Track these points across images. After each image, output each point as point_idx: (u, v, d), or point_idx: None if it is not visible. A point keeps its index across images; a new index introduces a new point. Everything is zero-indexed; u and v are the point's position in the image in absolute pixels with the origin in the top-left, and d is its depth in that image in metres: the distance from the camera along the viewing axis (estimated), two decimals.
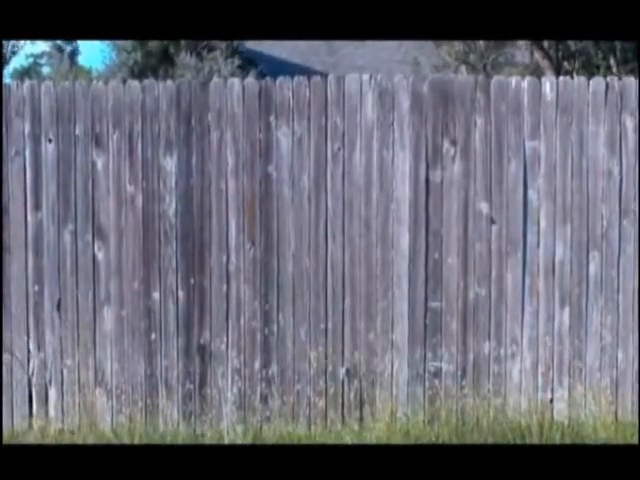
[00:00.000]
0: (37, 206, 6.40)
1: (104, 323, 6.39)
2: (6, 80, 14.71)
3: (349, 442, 5.93)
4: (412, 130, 6.37)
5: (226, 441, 6.03)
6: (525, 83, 6.39)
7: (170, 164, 6.38)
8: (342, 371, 6.38)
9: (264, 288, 6.37)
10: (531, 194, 6.36)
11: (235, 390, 6.36)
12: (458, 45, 15.68)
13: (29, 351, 6.42)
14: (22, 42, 19.98)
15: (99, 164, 6.39)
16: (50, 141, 6.40)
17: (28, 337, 6.42)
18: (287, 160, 6.38)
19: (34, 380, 6.42)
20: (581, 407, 6.29)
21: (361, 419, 6.30)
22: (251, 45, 16.59)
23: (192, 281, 6.37)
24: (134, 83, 6.50)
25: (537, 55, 15.21)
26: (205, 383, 6.38)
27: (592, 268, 6.34)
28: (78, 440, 6.09)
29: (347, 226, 6.37)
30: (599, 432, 6.06)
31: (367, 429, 6.16)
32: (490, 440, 5.93)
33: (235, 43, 16.56)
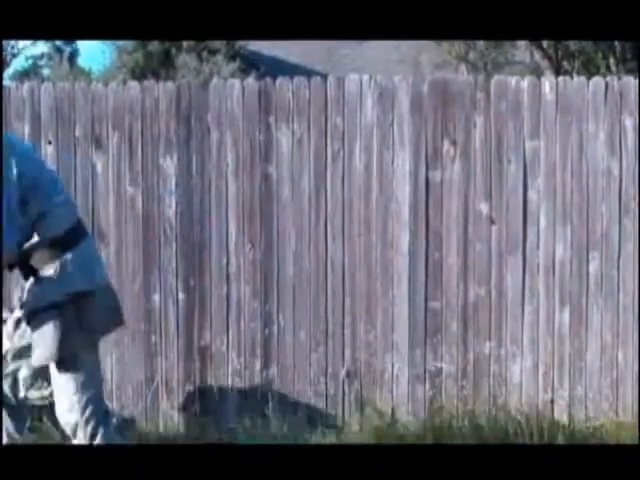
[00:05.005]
0: None
1: None
2: (6, 82, 14.72)
3: (349, 443, 5.94)
4: (412, 130, 6.37)
5: (226, 442, 6.04)
6: (525, 83, 6.39)
7: (170, 165, 6.38)
8: (342, 372, 6.38)
9: (264, 289, 6.37)
10: (531, 194, 6.36)
11: (235, 391, 6.37)
12: (458, 44, 15.69)
13: None
14: (22, 44, 20.00)
15: (99, 165, 6.40)
16: (50, 143, 6.41)
17: None
18: (287, 161, 6.38)
19: None
20: (581, 407, 6.30)
21: (361, 420, 6.29)
22: (251, 46, 16.60)
23: (192, 282, 6.37)
24: (134, 84, 6.50)
25: (537, 55, 15.21)
26: (205, 385, 6.38)
27: (592, 268, 6.33)
28: None
29: (347, 226, 6.38)
30: (599, 432, 6.06)
31: (368, 430, 6.15)
32: (490, 440, 5.93)
33: (236, 46, 16.57)
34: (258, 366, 6.37)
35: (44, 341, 4.42)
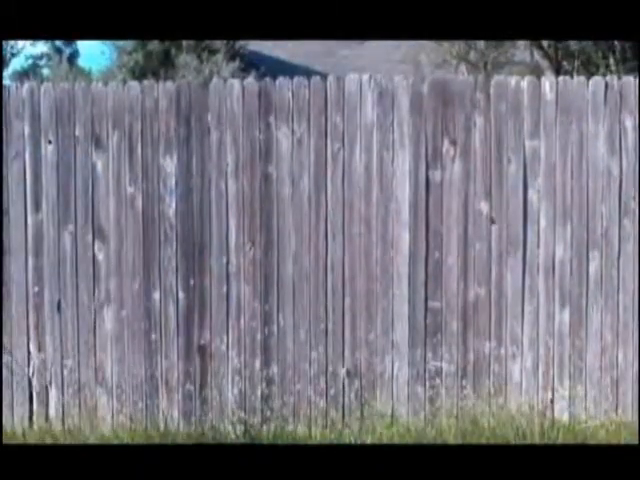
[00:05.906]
0: (37, 207, 6.41)
1: (104, 324, 6.40)
2: (6, 82, 14.72)
3: (349, 442, 5.93)
4: (412, 130, 6.37)
5: (226, 441, 6.03)
6: (525, 83, 6.39)
7: (170, 165, 6.39)
8: (342, 371, 6.38)
9: (264, 288, 6.37)
10: (531, 194, 6.36)
11: (235, 390, 6.37)
12: (458, 44, 15.66)
13: (29, 352, 6.42)
14: (22, 44, 19.98)
15: (99, 165, 6.40)
16: (50, 142, 6.41)
17: (28, 338, 6.42)
18: (287, 160, 6.38)
19: (34, 380, 6.42)
20: (581, 407, 6.30)
21: (362, 419, 6.30)
22: (251, 46, 16.59)
23: (192, 281, 6.37)
24: (134, 84, 6.50)
25: (537, 55, 15.19)
26: (205, 383, 6.38)
27: (592, 268, 6.33)
28: (78, 441, 6.09)
29: (347, 226, 6.38)
30: (599, 432, 6.06)
31: (367, 429, 6.15)
32: (490, 440, 5.93)
33: (236, 46, 16.55)
34: (258, 365, 6.37)
35: None
